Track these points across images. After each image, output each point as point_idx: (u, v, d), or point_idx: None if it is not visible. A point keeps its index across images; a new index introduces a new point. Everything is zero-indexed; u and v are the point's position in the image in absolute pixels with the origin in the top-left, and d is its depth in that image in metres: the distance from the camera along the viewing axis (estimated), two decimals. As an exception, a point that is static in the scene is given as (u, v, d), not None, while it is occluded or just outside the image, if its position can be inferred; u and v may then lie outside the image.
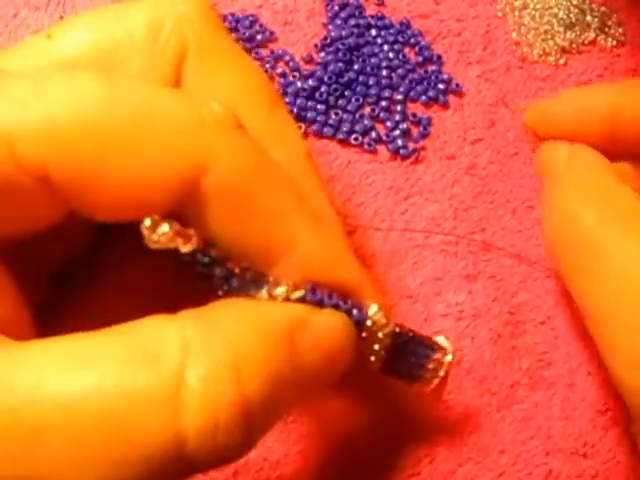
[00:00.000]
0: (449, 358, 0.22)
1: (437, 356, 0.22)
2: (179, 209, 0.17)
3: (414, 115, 0.32)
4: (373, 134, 0.31)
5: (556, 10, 0.36)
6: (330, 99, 0.32)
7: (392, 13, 0.34)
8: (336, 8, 0.34)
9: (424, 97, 0.33)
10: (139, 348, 0.15)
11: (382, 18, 0.34)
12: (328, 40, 0.33)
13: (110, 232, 0.21)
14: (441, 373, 0.22)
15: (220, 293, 0.18)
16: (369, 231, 0.29)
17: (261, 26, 0.33)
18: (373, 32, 0.34)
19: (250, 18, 0.33)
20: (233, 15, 0.33)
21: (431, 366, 0.22)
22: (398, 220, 0.30)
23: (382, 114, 0.32)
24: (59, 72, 0.17)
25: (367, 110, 0.32)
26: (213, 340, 0.15)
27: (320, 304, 0.19)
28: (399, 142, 0.31)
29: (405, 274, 0.29)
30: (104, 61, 0.19)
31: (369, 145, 0.31)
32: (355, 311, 0.19)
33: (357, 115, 0.32)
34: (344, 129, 0.31)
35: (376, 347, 0.20)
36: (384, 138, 0.31)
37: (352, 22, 0.34)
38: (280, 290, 0.18)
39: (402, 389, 0.27)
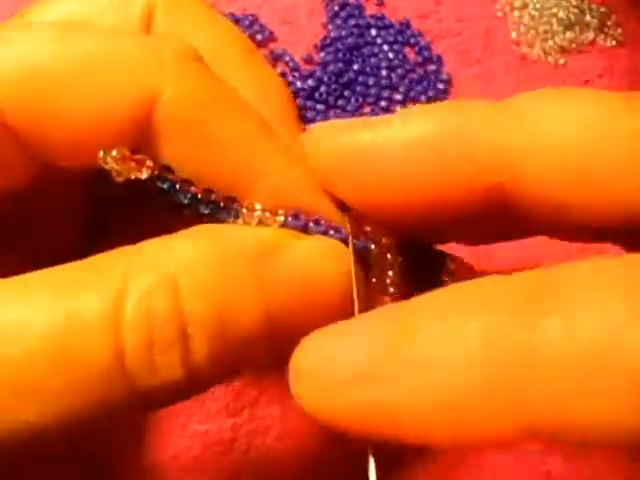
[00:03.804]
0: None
1: (452, 267, 0.19)
2: (138, 145, 0.17)
3: (413, 115, 0.32)
4: (372, 134, 0.31)
5: (555, 10, 0.36)
6: (330, 99, 0.32)
7: (392, 13, 0.34)
8: (336, 8, 0.34)
9: (424, 97, 0.33)
10: (84, 273, 0.15)
11: (382, 18, 0.34)
12: (328, 40, 0.33)
13: (102, 229, 0.21)
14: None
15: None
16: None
17: (261, 26, 0.33)
18: (373, 32, 0.34)
19: (250, 18, 0.33)
20: (233, 15, 0.33)
21: (447, 279, 0.19)
22: (397, 220, 0.30)
23: (382, 114, 0.32)
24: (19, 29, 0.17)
25: (367, 110, 0.32)
26: (156, 259, 0.15)
27: (305, 230, 0.17)
28: (398, 142, 0.31)
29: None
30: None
31: (368, 145, 0.31)
32: (352, 239, 0.17)
33: (357, 115, 0.32)
34: (344, 129, 0.31)
35: (390, 274, 0.18)
36: (383, 138, 0.31)
37: (352, 22, 0.34)
38: (256, 217, 0.17)
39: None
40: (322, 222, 0.17)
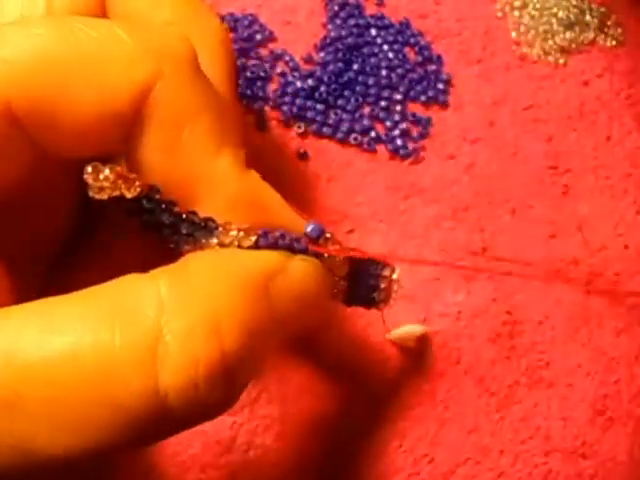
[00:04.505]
0: (396, 275, 0.22)
1: (386, 273, 0.22)
2: (127, 134, 0.17)
3: (413, 115, 0.32)
4: (372, 134, 0.31)
5: (555, 10, 0.36)
6: (329, 99, 0.32)
7: (392, 13, 0.34)
8: (335, 8, 0.34)
9: (423, 97, 0.33)
10: (114, 308, 0.15)
11: (382, 18, 0.34)
12: (327, 40, 0.33)
13: (95, 216, 0.21)
14: (394, 289, 0.22)
15: (172, 246, 0.18)
16: (367, 230, 0.29)
17: (260, 26, 0.33)
18: (373, 32, 0.34)
19: (249, 18, 0.33)
20: (232, 15, 0.33)
21: (383, 285, 0.22)
22: (397, 220, 0.30)
23: (381, 114, 0.32)
24: (14, 23, 0.17)
25: (366, 110, 0.32)
26: (188, 296, 0.15)
27: (274, 247, 0.18)
28: (398, 142, 0.31)
29: (404, 274, 0.29)
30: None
31: (368, 145, 0.31)
32: (311, 246, 0.19)
33: (356, 115, 0.32)
34: (343, 129, 0.31)
35: (337, 279, 0.20)
36: (383, 138, 0.31)
37: (351, 22, 0.34)
38: (231, 237, 0.18)
39: (401, 388, 0.27)
40: (286, 237, 0.19)
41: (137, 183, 0.17)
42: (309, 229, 0.19)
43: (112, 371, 0.14)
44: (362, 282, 0.21)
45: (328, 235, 0.20)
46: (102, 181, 0.16)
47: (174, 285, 0.15)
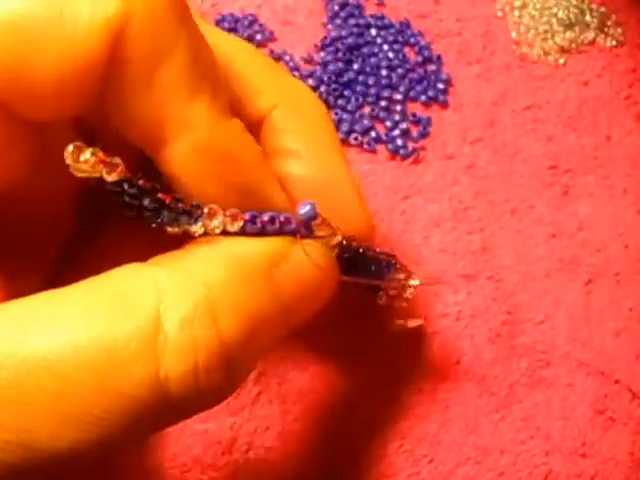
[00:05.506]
0: (415, 282, 0.22)
1: (400, 276, 0.22)
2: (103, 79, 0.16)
3: (414, 115, 0.32)
4: (373, 134, 0.31)
5: (555, 10, 0.36)
6: (330, 99, 0.32)
7: (392, 13, 0.34)
8: (336, 8, 0.34)
9: (424, 97, 0.33)
10: (113, 298, 0.15)
11: (382, 18, 0.34)
12: (328, 40, 0.33)
13: (97, 216, 0.21)
14: (409, 291, 0.22)
15: (153, 226, 0.17)
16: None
17: (261, 26, 0.33)
18: (373, 32, 0.34)
19: (249, 18, 0.33)
20: (232, 15, 0.33)
21: (394, 283, 0.22)
22: (397, 220, 0.30)
23: (382, 114, 0.32)
24: None
25: (367, 110, 0.32)
26: (187, 283, 0.15)
27: (263, 233, 0.18)
28: (398, 142, 0.31)
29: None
30: None
31: (369, 145, 0.31)
32: (302, 229, 0.18)
33: (357, 115, 0.32)
34: (344, 129, 0.31)
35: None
36: (384, 138, 0.31)
37: (352, 22, 0.34)
38: (216, 222, 0.17)
39: (402, 388, 0.27)
40: (276, 220, 0.18)
41: (120, 168, 0.16)
42: (303, 211, 0.18)
43: (113, 361, 0.14)
44: (364, 267, 0.21)
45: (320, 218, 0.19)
46: (82, 163, 0.15)
47: (173, 272, 0.15)
